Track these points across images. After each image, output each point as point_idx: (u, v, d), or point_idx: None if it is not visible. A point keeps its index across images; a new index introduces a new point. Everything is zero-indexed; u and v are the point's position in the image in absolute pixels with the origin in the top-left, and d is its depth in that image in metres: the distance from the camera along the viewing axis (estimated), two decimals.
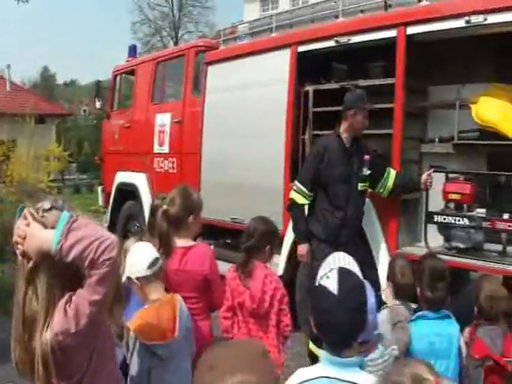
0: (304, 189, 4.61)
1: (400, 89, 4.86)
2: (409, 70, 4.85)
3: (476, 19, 4.33)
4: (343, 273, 1.94)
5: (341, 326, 1.87)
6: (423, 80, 5.61)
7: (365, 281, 2.07)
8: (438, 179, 4.83)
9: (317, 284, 1.99)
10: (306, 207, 4.76)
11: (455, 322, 3.11)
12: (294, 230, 4.89)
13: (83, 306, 1.78)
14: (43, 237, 1.79)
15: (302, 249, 4.67)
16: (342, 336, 1.88)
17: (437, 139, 5.34)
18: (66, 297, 1.81)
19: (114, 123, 9.18)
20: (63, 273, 1.84)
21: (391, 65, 4.93)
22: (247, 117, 6.21)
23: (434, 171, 4.85)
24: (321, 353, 1.93)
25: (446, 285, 3.15)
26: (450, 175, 4.95)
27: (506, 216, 4.45)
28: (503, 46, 4.88)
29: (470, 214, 4.60)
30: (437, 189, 4.79)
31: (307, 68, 5.66)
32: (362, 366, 1.91)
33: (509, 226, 4.32)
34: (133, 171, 8.34)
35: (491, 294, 3.21)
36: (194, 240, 3.47)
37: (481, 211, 4.62)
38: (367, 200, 4.91)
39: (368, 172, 4.61)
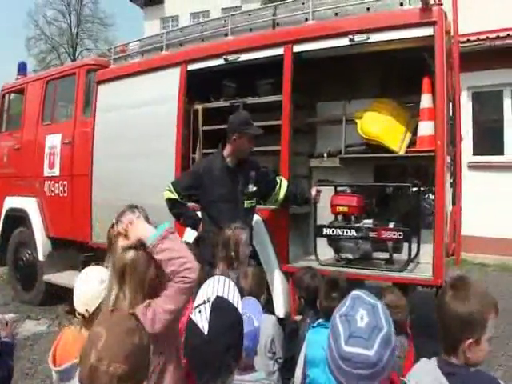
0: (176, 188, 4.56)
1: (287, 106, 4.98)
2: (296, 86, 5.00)
3: (359, 38, 4.59)
4: (217, 308, 1.90)
5: (210, 367, 1.83)
6: (311, 96, 5.91)
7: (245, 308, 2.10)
8: (327, 193, 5.01)
9: (191, 316, 1.96)
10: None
11: None
12: (184, 222, 4.74)
13: (159, 311, 2.05)
14: (146, 228, 2.15)
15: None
16: (213, 375, 1.84)
17: (325, 154, 5.61)
18: (146, 302, 2.08)
19: (3, 145, 8.80)
20: (146, 283, 2.11)
21: (279, 82, 5.04)
22: (138, 137, 6.19)
23: (321, 185, 5.05)
24: None
25: (340, 295, 3.21)
26: (338, 188, 5.15)
27: (391, 225, 4.71)
28: (385, 63, 5.22)
29: (357, 225, 4.83)
30: (326, 202, 4.97)
31: (197, 86, 5.74)
32: None
33: (394, 235, 4.57)
34: (23, 196, 8.02)
35: (390, 304, 3.19)
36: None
37: (368, 222, 4.88)
38: (258, 216, 4.92)
39: (254, 189, 4.58)
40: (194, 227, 4.74)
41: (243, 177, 4.58)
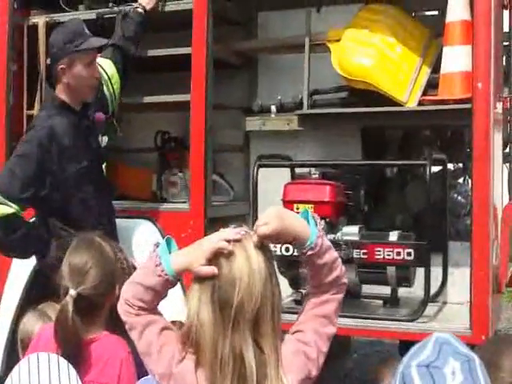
0: (9, 192, 4.28)
1: (203, 19, 4.59)
2: None
3: None
4: None
5: None
6: (248, 3, 5.48)
7: None
8: (276, 178, 4.81)
9: None
10: None
11: None
12: (32, 248, 4.46)
13: (322, 343, 2.18)
14: (302, 221, 2.19)
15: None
16: None
17: (273, 107, 5.13)
18: (293, 339, 2.16)
19: None
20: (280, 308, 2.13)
21: None
22: None
23: (266, 164, 4.72)
24: None
25: None
26: (297, 170, 4.96)
27: (393, 237, 4.40)
28: None
29: (331, 236, 4.38)
30: (275, 195, 4.66)
31: None
32: None
33: (398, 254, 4.34)
34: None
35: None
36: None
37: (351, 231, 4.59)
38: (150, 224, 4.73)
39: (106, 139, 4.48)
40: (45, 253, 4.37)
41: (91, 127, 4.43)
